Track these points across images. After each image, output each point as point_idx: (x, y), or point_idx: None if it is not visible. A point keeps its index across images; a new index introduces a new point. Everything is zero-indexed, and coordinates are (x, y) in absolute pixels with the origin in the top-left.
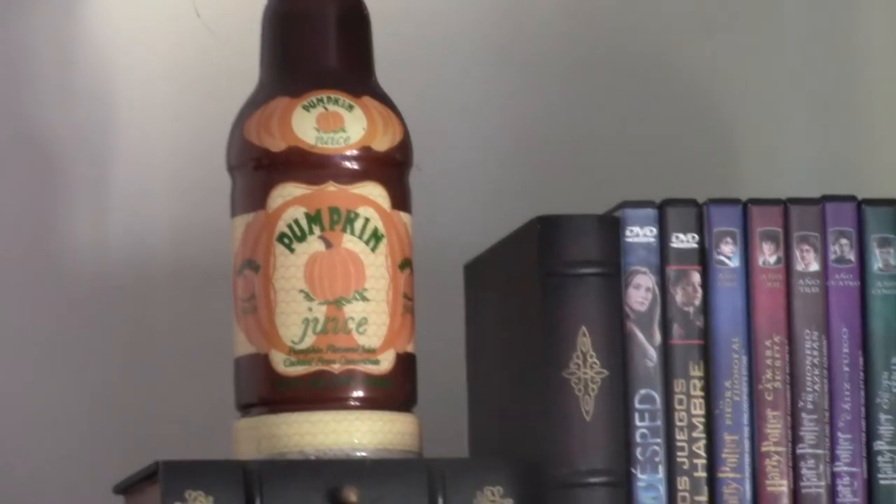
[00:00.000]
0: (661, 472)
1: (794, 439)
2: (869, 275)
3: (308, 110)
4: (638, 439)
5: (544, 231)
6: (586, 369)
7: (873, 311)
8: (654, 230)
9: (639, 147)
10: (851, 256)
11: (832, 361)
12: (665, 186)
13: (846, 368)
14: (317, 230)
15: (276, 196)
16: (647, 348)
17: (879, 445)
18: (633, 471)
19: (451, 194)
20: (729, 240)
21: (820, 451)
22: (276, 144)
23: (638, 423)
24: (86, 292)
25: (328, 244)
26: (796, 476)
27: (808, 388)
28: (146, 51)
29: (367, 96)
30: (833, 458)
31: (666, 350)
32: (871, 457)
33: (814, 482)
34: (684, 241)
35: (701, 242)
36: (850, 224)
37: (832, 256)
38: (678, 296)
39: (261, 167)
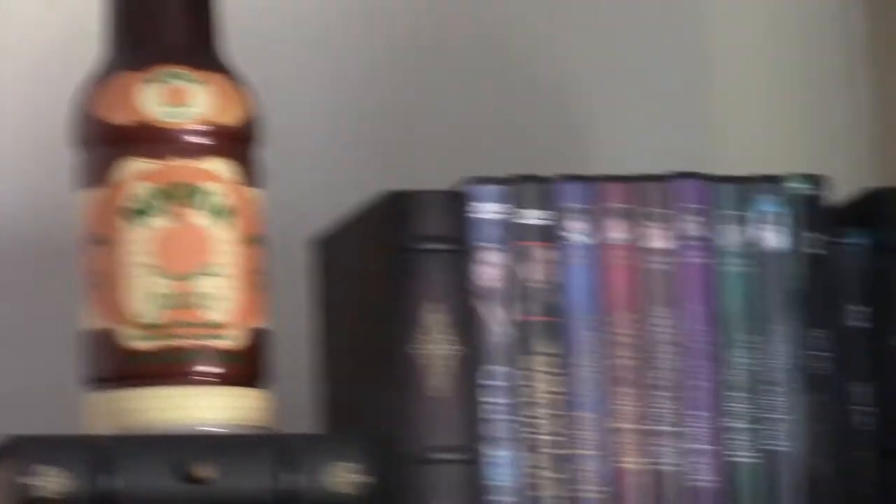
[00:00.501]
0: (511, 449)
1: (647, 417)
2: (720, 252)
3: (153, 84)
4: (488, 416)
5: (393, 206)
6: (435, 345)
7: (725, 288)
8: (504, 206)
9: (489, 124)
10: (702, 233)
11: (684, 339)
12: (517, 164)
13: (698, 345)
14: (163, 205)
15: (122, 170)
16: (497, 325)
17: (732, 423)
18: (484, 447)
19: (301, 170)
20: (579, 216)
21: (673, 429)
22: (121, 119)
23: (488, 399)
24: None
25: (175, 219)
26: (648, 453)
27: (661, 366)
28: None
29: (215, 71)
30: (686, 435)
31: (515, 326)
32: (723, 434)
33: (666, 459)
34: (534, 217)
35: (551, 219)
36: (701, 201)
37: (683, 233)
38: (528, 272)
39: (105, 142)
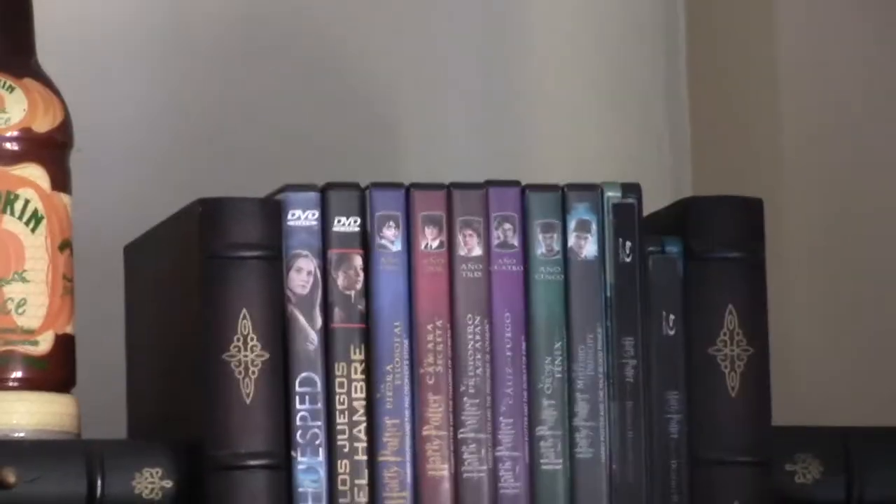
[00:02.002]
0: (321, 455)
1: (456, 424)
2: (532, 260)
3: None
4: (298, 422)
5: (205, 213)
6: (247, 352)
7: (536, 297)
8: (317, 213)
9: (302, 133)
10: (515, 241)
11: (494, 346)
12: (328, 172)
13: (508, 353)
14: None
15: None
16: (309, 332)
17: (542, 430)
18: (294, 453)
19: (113, 176)
20: (391, 224)
21: (482, 436)
22: None
23: (298, 405)
24: None
25: None
26: (458, 460)
27: (471, 373)
28: None
29: (28, 78)
30: (495, 442)
31: (327, 333)
32: (533, 441)
33: (475, 466)
34: (346, 224)
35: (363, 226)
36: (514, 209)
37: (495, 241)
38: (340, 279)
39: None
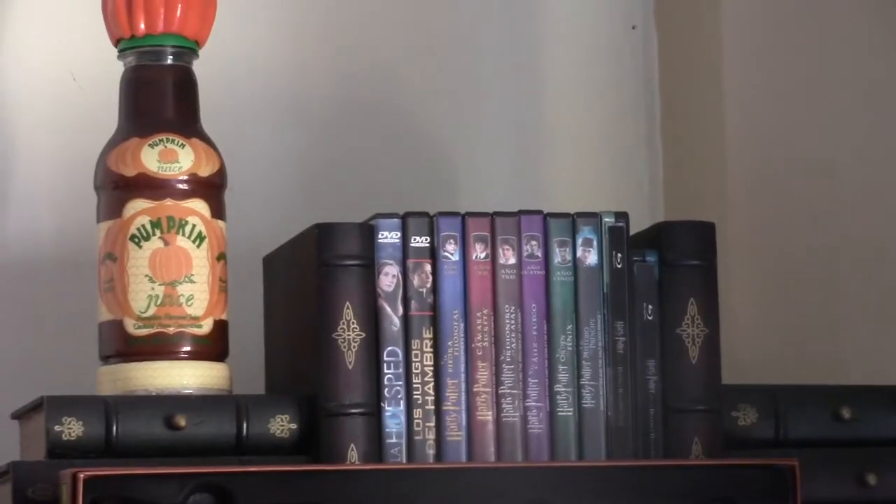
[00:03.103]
0: (402, 406)
1: (497, 383)
2: (551, 266)
3: (153, 147)
4: (385, 382)
5: (321, 234)
6: (349, 332)
7: (555, 292)
8: (399, 234)
9: (387, 174)
10: (539, 253)
11: (524, 328)
12: (407, 202)
13: (534, 332)
14: (158, 232)
15: (129, 208)
16: (393, 318)
17: (558, 388)
18: (382, 404)
19: (255, 208)
20: (451, 241)
21: (515, 391)
22: (130, 171)
23: (385, 370)
24: None
25: (166, 242)
26: (498, 409)
27: (508, 347)
28: (31, 103)
29: (195, 137)
30: (525, 396)
31: (406, 319)
32: (551, 395)
33: (510, 413)
34: (420, 241)
35: (431, 243)
36: (538, 230)
37: (525, 253)
38: (415, 280)
39: (118, 187)
